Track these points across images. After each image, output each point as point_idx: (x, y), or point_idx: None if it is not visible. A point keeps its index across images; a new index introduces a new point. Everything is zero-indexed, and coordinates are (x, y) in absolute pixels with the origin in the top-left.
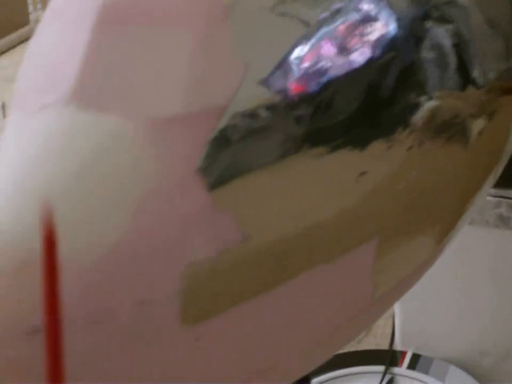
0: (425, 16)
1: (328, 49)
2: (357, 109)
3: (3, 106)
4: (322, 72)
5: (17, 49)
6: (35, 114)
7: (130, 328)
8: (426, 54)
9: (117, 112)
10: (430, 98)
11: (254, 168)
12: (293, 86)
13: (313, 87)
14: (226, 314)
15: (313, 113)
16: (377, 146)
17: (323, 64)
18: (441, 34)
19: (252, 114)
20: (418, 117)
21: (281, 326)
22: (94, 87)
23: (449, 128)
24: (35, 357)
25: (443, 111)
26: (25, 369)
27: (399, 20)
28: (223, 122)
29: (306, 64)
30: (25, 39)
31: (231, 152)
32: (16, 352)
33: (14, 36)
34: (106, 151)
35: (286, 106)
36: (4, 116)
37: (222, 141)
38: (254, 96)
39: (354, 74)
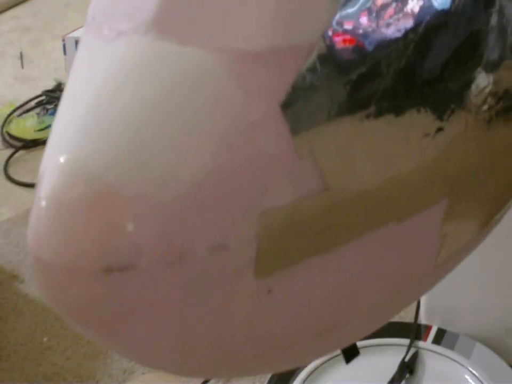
0: None
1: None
2: (443, 70)
3: (21, 56)
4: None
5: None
6: (110, 42)
7: (204, 273)
8: (494, 20)
9: (199, 44)
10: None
11: (334, 117)
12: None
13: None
14: (299, 267)
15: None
16: (453, 109)
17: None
18: None
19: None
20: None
21: (351, 283)
22: (175, 16)
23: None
24: (106, 296)
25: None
26: (95, 308)
27: None
28: (309, 62)
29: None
30: None
31: (315, 95)
32: (88, 290)
33: None
34: (187, 82)
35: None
36: (22, 65)
37: (307, 82)
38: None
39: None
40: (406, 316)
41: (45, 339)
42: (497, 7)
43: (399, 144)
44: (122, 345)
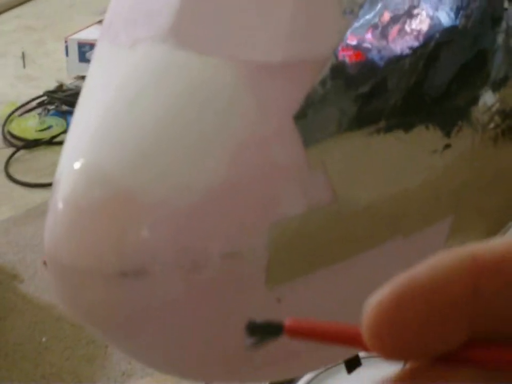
0: None
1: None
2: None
3: (23, 56)
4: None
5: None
6: (128, 49)
7: (215, 280)
8: (500, 38)
9: (216, 54)
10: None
11: (345, 130)
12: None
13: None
14: (308, 277)
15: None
16: (460, 125)
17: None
18: None
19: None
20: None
21: (357, 295)
22: (192, 26)
23: None
24: (121, 300)
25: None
26: (109, 311)
27: None
28: (322, 76)
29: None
30: None
31: (327, 108)
32: (103, 294)
33: None
34: (204, 92)
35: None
36: (24, 65)
37: (319, 96)
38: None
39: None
40: None
41: (44, 339)
42: (504, 26)
43: (407, 159)
44: (134, 348)
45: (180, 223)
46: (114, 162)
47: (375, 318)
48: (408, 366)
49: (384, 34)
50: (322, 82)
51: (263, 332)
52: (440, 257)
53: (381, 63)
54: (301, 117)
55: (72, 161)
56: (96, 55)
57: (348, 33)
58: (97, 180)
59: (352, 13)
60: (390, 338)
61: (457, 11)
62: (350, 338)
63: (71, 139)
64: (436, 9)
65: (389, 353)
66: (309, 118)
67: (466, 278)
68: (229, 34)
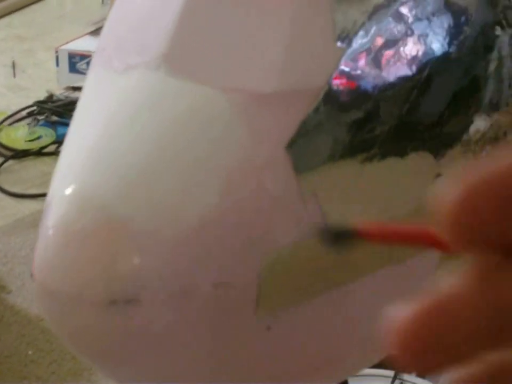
0: (496, 21)
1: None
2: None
3: (13, 65)
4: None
5: (28, 8)
6: (121, 74)
7: (206, 309)
8: (492, 66)
9: (210, 83)
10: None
11: (338, 158)
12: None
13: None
14: (301, 307)
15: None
16: (452, 153)
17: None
18: (506, 42)
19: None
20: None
21: (348, 322)
22: (186, 53)
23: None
24: (109, 327)
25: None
26: (97, 338)
27: (468, 24)
28: (315, 105)
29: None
30: None
31: (319, 137)
32: (92, 320)
33: None
34: (197, 120)
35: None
36: (14, 74)
37: (312, 124)
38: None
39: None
40: None
41: (30, 352)
42: (495, 55)
43: (400, 186)
44: (122, 375)
45: (170, 251)
46: (106, 189)
47: (454, 206)
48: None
49: (376, 62)
50: (315, 110)
51: (338, 237)
52: None
53: (374, 91)
54: (293, 145)
55: (64, 186)
56: (89, 79)
57: (342, 61)
58: (88, 206)
59: (345, 40)
60: (469, 225)
61: (451, 39)
62: (421, 237)
63: (63, 162)
64: (429, 37)
65: (466, 243)
66: (301, 146)
67: None
68: (222, 63)
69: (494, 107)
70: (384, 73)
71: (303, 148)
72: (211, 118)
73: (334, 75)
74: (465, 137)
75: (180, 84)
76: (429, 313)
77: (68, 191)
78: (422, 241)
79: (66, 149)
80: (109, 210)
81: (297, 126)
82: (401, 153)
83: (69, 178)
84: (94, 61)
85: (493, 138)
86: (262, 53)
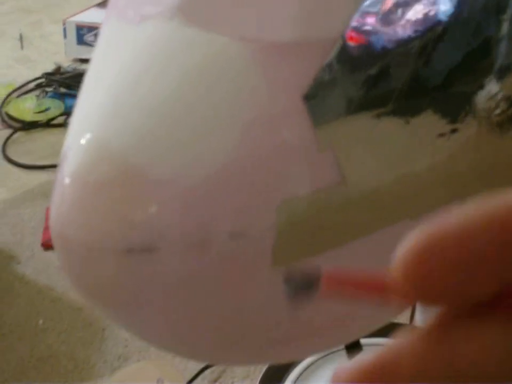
0: None
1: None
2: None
3: (21, 37)
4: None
5: None
6: (135, 25)
7: (223, 258)
8: (505, 28)
9: (225, 32)
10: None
11: (354, 111)
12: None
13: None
14: (315, 259)
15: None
16: (469, 111)
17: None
18: None
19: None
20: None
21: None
22: (201, 3)
23: None
24: (127, 275)
25: None
26: (114, 286)
27: None
28: (330, 57)
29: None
30: None
31: (335, 90)
32: (109, 269)
33: None
34: (213, 69)
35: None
36: (22, 46)
37: (326, 78)
38: None
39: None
40: (401, 317)
41: (41, 321)
42: (508, 15)
43: (414, 142)
44: (139, 326)
45: (188, 200)
46: (123, 138)
47: (409, 261)
48: (435, 318)
49: (389, 19)
50: (330, 64)
51: (301, 283)
52: (474, 204)
53: (386, 47)
54: (310, 97)
55: (80, 136)
56: (103, 31)
57: (356, 16)
58: (105, 155)
59: None
60: (423, 279)
61: None
62: (381, 288)
63: (77, 114)
64: None
65: (421, 296)
66: (318, 99)
67: (496, 227)
68: (238, 13)
69: (508, 69)
70: (397, 29)
71: (321, 100)
72: (227, 67)
73: (349, 30)
74: (478, 96)
75: (195, 34)
76: (377, 367)
77: (84, 140)
78: (383, 293)
79: (82, 99)
80: (126, 159)
81: (313, 78)
82: (416, 110)
83: (85, 128)
84: (108, 13)
85: (507, 97)
86: (278, 3)
